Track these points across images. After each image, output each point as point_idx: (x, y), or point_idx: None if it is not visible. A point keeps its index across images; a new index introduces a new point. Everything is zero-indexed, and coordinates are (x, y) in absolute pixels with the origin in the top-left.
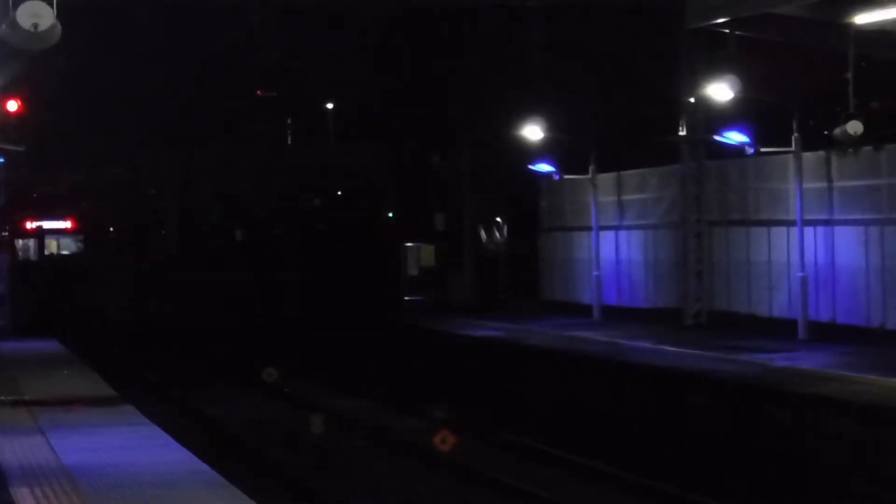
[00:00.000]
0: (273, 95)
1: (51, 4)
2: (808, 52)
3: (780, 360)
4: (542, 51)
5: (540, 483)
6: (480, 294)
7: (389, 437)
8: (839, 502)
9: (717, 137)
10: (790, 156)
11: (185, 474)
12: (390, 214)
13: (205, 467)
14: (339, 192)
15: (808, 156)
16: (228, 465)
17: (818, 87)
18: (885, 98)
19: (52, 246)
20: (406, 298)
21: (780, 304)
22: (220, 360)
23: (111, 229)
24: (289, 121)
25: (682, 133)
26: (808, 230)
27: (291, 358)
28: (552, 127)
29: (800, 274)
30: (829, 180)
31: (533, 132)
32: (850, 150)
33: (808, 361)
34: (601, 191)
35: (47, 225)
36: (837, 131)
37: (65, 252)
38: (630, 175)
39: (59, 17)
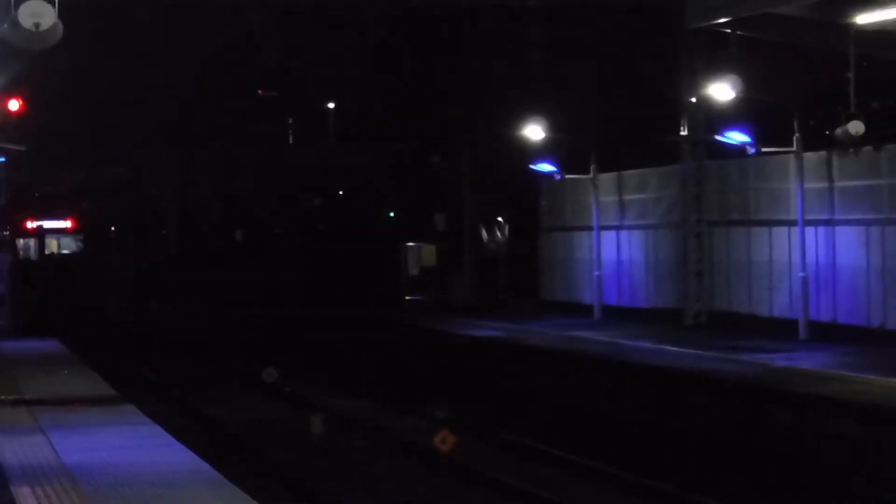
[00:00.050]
0: (273, 95)
1: (52, 4)
2: (809, 52)
3: (780, 360)
4: (542, 51)
5: (540, 483)
6: (481, 294)
7: (389, 437)
8: (839, 502)
9: (717, 137)
10: (791, 156)
11: (186, 474)
12: (391, 214)
13: (206, 466)
14: (340, 192)
15: (809, 156)
16: (228, 464)
17: (819, 87)
18: (886, 98)
19: (52, 245)
20: (406, 298)
21: (780, 304)
22: (220, 360)
23: (111, 229)
24: (289, 121)
25: (683, 133)
26: (809, 230)
27: (291, 358)
28: (553, 127)
29: (800, 274)
30: (830, 180)
31: (533, 132)
32: (851, 150)
33: (809, 361)
34: (602, 191)
35: (48, 224)
36: (838, 131)
37: (65, 252)
38: (631, 175)
39: (60, 16)
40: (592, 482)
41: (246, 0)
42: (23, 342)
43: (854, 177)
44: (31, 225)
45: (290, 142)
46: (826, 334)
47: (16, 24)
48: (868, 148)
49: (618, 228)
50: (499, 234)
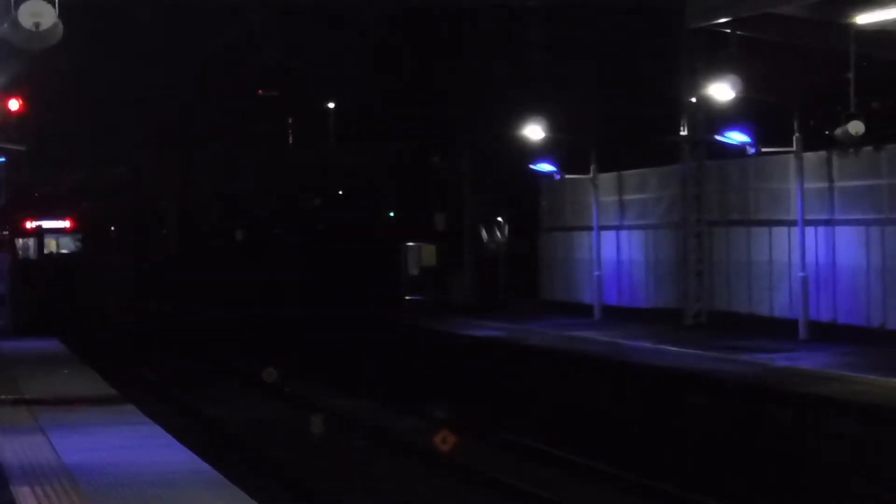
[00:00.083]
0: (273, 95)
1: (52, 4)
2: (809, 52)
3: (780, 360)
4: (542, 51)
5: (540, 483)
6: (481, 294)
7: (389, 437)
8: (839, 502)
9: (717, 137)
10: (791, 156)
11: (186, 474)
12: (391, 214)
13: (206, 466)
14: (339, 192)
15: (808, 156)
16: (228, 464)
17: (819, 87)
18: (886, 98)
19: (51, 245)
20: (406, 298)
21: (780, 304)
22: (220, 360)
23: (111, 229)
24: (289, 121)
25: (683, 133)
26: (809, 230)
27: (291, 358)
28: (553, 127)
29: (800, 274)
30: (830, 180)
31: (533, 132)
32: (851, 150)
33: (809, 361)
34: (602, 191)
35: (47, 224)
36: (838, 131)
37: (65, 251)
38: (631, 175)
39: (60, 16)
40: (592, 482)
41: (246, 0)
42: (23, 342)
43: (854, 177)
44: (30, 225)
45: (290, 142)
46: (826, 334)
47: (16, 23)
48: (868, 148)
49: (618, 228)
50: (499, 234)
